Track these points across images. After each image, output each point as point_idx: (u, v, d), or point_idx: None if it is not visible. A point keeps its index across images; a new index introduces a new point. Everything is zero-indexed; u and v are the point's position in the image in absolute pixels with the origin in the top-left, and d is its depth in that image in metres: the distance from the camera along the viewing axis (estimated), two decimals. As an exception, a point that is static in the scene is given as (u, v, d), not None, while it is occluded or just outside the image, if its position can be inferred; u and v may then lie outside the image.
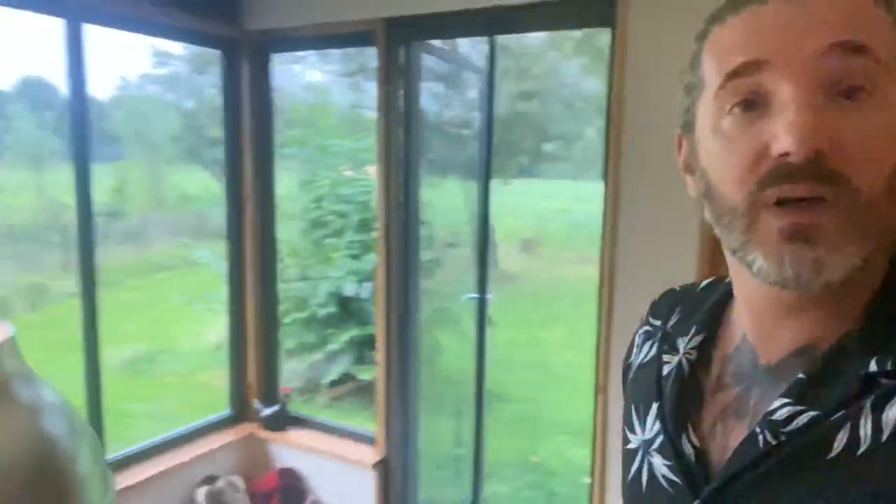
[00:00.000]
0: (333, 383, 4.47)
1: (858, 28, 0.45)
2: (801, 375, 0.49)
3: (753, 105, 0.47)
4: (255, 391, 2.79)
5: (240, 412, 2.79)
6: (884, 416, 0.43)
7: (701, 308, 0.63)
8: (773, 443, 0.48)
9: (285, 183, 4.91)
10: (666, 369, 0.61)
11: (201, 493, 2.41)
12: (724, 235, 0.51)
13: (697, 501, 0.52)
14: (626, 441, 0.64)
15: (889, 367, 0.45)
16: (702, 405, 0.57)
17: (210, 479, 2.49)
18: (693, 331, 0.61)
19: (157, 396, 5.07)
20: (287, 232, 4.65)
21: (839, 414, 0.46)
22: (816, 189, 0.45)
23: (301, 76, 6.36)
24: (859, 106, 0.45)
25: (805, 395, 0.48)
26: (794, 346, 0.52)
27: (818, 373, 0.48)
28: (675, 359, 0.61)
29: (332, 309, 4.36)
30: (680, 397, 0.58)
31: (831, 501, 0.44)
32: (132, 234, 9.52)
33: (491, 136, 2.71)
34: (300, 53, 4.85)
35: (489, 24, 2.24)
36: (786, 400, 0.48)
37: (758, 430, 0.49)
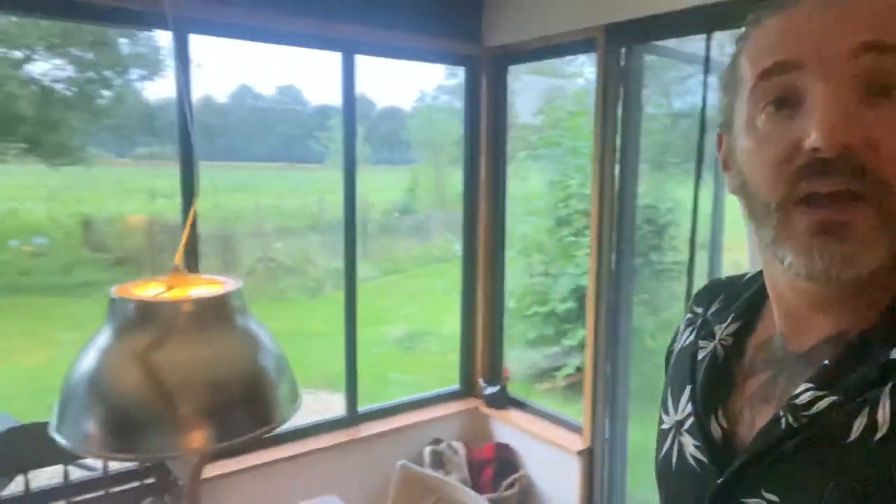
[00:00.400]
0: (567, 375, 4.62)
1: (890, 28, 0.46)
2: (826, 362, 0.50)
3: (787, 103, 0.49)
4: (481, 371, 3.10)
5: (467, 388, 3.14)
6: None
7: (741, 297, 0.65)
8: (795, 426, 0.49)
9: (536, 182, 5.19)
10: (701, 354, 0.64)
11: (427, 450, 2.80)
12: (758, 230, 0.53)
13: (721, 479, 0.54)
14: (660, 422, 0.67)
15: None
16: (732, 389, 0.59)
17: (437, 441, 2.87)
18: (730, 318, 0.63)
19: (414, 370, 5.77)
20: (534, 229, 4.92)
21: (858, 400, 0.47)
22: (847, 183, 0.46)
23: (567, 81, 6.57)
24: (892, 104, 0.46)
25: (828, 380, 0.49)
26: (822, 336, 0.53)
27: (842, 360, 0.50)
28: (711, 345, 0.63)
29: (570, 304, 4.50)
30: (711, 381, 0.61)
31: (847, 484, 0.45)
32: (419, 229, 10.83)
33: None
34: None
35: (707, 21, 2.19)
36: (809, 385, 0.50)
37: (781, 413, 0.50)
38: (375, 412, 2.92)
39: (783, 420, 0.50)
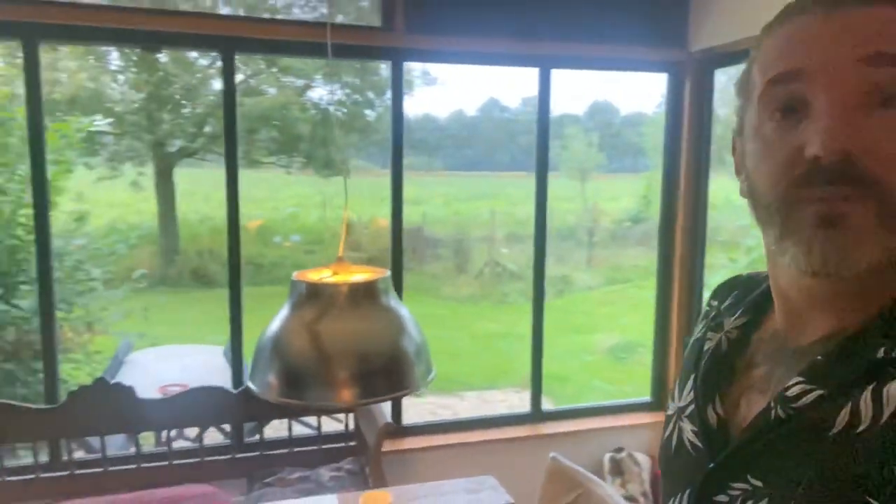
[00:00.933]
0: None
1: (892, 39, 0.48)
2: (818, 357, 0.52)
3: (793, 110, 0.51)
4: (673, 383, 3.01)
5: (657, 400, 3.07)
6: (883, 398, 0.46)
7: (753, 293, 0.67)
8: (782, 416, 0.51)
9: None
10: (707, 345, 0.66)
11: (607, 457, 2.82)
12: (764, 232, 0.55)
13: (712, 464, 0.57)
14: (667, 408, 0.71)
15: (894, 355, 0.48)
16: (733, 380, 0.62)
17: (618, 450, 2.87)
18: (739, 313, 0.65)
19: (620, 380, 5.66)
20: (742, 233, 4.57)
21: (843, 395, 0.48)
22: (846, 191, 0.48)
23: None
24: (893, 113, 0.48)
25: (818, 375, 0.51)
26: (820, 333, 0.55)
27: (833, 356, 0.51)
28: (717, 336, 0.65)
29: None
30: (712, 370, 0.63)
31: (826, 475, 0.47)
32: (650, 237, 10.50)
33: None
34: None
35: None
36: (800, 378, 0.52)
37: (772, 404, 0.53)
38: (560, 413, 3.02)
39: (773, 411, 0.52)
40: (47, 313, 2.33)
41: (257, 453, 2.44)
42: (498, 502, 1.82)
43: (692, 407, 0.63)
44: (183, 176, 11.78)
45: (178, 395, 2.40)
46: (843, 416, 0.47)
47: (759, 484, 0.52)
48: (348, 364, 1.24)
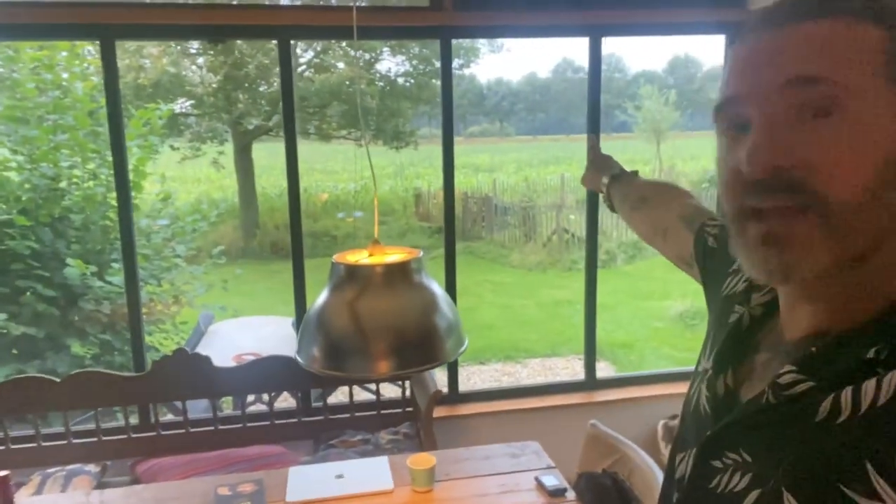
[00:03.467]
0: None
1: (813, 60, 0.49)
2: (812, 349, 0.54)
3: (740, 127, 0.54)
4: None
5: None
6: (862, 392, 0.48)
7: None
8: (773, 402, 0.54)
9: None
10: (732, 317, 0.68)
11: (661, 423, 2.85)
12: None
13: (709, 432, 0.61)
14: (697, 363, 0.72)
15: (883, 356, 0.49)
16: (749, 356, 0.64)
17: (674, 416, 2.89)
18: (767, 290, 0.67)
19: (690, 347, 5.56)
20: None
21: (831, 388, 0.51)
22: (784, 200, 0.50)
23: None
24: (828, 124, 0.49)
25: (810, 367, 0.53)
26: (811, 329, 0.57)
27: (826, 351, 0.54)
28: (743, 311, 0.68)
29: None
30: (729, 344, 0.66)
31: (806, 458, 0.50)
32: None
33: None
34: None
35: None
36: (792, 367, 0.54)
37: (766, 389, 0.55)
38: (615, 380, 3.06)
39: (765, 395, 0.55)
40: (132, 288, 2.57)
41: (322, 417, 2.63)
42: (539, 466, 1.91)
43: (710, 373, 0.66)
44: (261, 152, 12.28)
45: (250, 363, 2.61)
46: (826, 406, 0.50)
47: (748, 459, 0.56)
48: (384, 339, 1.34)
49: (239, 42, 9.42)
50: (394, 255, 1.47)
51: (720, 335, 0.69)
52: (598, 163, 1.36)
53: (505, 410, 2.86)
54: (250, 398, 2.93)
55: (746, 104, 0.53)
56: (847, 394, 0.49)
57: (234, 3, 3.33)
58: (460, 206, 10.95)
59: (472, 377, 5.36)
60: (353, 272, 1.39)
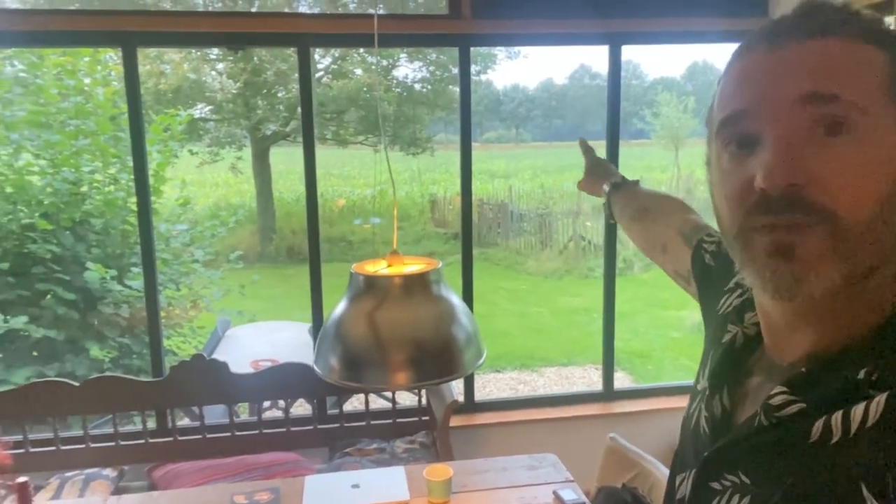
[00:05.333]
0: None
1: (829, 76, 0.49)
2: (803, 370, 0.55)
3: (747, 143, 0.53)
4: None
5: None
6: (851, 415, 0.48)
7: None
8: (766, 424, 0.54)
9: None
10: (726, 337, 0.68)
11: (680, 436, 2.81)
12: (731, 256, 0.58)
13: (706, 453, 0.60)
14: (696, 381, 0.72)
15: (874, 377, 0.49)
16: (744, 376, 0.64)
17: (693, 429, 2.85)
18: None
19: (707, 358, 5.49)
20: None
21: (823, 409, 0.51)
22: (796, 218, 0.50)
23: None
24: (840, 142, 0.49)
25: (801, 387, 0.53)
26: (801, 351, 0.57)
27: (817, 372, 0.54)
28: (735, 330, 0.67)
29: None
30: (722, 364, 0.66)
31: (803, 481, 0.50)
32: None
33: None
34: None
35: None
36: (783, 388, 0.54)
37: (759, 410, 0.55)
38: (632, 391, 3.03)
39: (758, 418, 0.55)
40: (152, 293, 2.59)
41: (338, 425, 2.63)
42: (557, 479, 1.89)
43: (707, 393, 0.66)
44: (278, 157, 12.35)
45: (267, 369, 2.61)
46: (818, 427, 0.50)
47: (746, 481, 0.55)
48: (402, 351, 1.33)
49: (258, 49, 9.50)
50: (413, 266, 1.46)
51: (715, 354, 0.68)
52: (597, 169, 1.33)
53: (521, 421, 2.83)
54: (266, 404, 2.94)
55: (757, 118, 0.52)
56: (837, 417, 0.49)
57: (255, 10, 3.36)
58: (476, 212, 10.94)
59: (488, 385, 5.33)
60: (372, 283, 1.38)
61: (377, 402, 2.75)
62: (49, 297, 3.60)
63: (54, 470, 2.39)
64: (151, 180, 3.15)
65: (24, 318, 3.43)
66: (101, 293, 3.75)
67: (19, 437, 2.41)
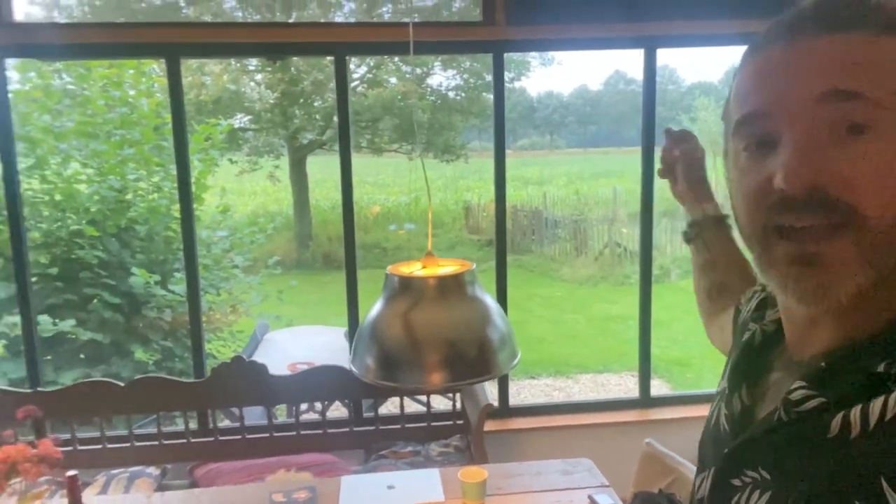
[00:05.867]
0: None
1: (850, 73, 0.48)
2: (822, 364, 0.54)
3: (765, 142, 0.52)
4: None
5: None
6: (870, 409, 0.48)
7: None
8: (785, 419, 0.54)
9: None
10: (746, 335, 0.68)
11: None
12: (750, 254, 0.58)
13: (726, 450, 0.60)
14: (720, 383, 0.71)
15: (893, 370, 0.48)
16: (764, 373, 0.64)
17: (733, 437, 2.80)
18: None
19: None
20: None
21: (842, 403, 0.50)
22: (817, 218, 0.49)
23: None
24: (863, 140, 0.48)
25: (820, 382, 0.53)
26: (823, 346, 0.56)
27: (836, 366, 0.53)
28: (755, 328, 0.67)
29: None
30: (742, 361, 0.66)
31: (823, 476, 0.49)
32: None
33: None
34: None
35: None
36: (802, 383, 0.53)
37: (779, 406, 0.55)
38: (669, 398, 2.99)
39: (778, 412, 0.55)
40: (194, 298, 2.66)
41: (373, 427, 2.65)
42: (592, 484, 1.88)
43: (726, 391, 0.66)
44: (314, 165, 12.55)
45: (303, 372, 2.66)
46: (837, 422, 0.49)
47: (767, 476, 0.55)
48: (437, 351, 1.35)
49: (295, 59, 9.69)
50: (447, 267, 1.47)
51: (735, 354, 0.68)
52: (696, 182, 1.06)
53: (556, 426, 2.82)
54: (303, 406, 2.98)
55: (775, 119, 0.51)
56: (856, 412, 0.48)
57: (292, 21, 3.44)
58: (510, 219, 10.92)
59: (523, 391, 5.31)
60: (407, 284, 1.40)
61: (412, 406, 2.76)
62: (96, 301, 3.72)
63: (100, 468, 2.47)
64: (193, 188, 3.24)
65: (71, 322, 3.55)
66: (146, 297, 3.86)
67: (67, 436, 2.50)
